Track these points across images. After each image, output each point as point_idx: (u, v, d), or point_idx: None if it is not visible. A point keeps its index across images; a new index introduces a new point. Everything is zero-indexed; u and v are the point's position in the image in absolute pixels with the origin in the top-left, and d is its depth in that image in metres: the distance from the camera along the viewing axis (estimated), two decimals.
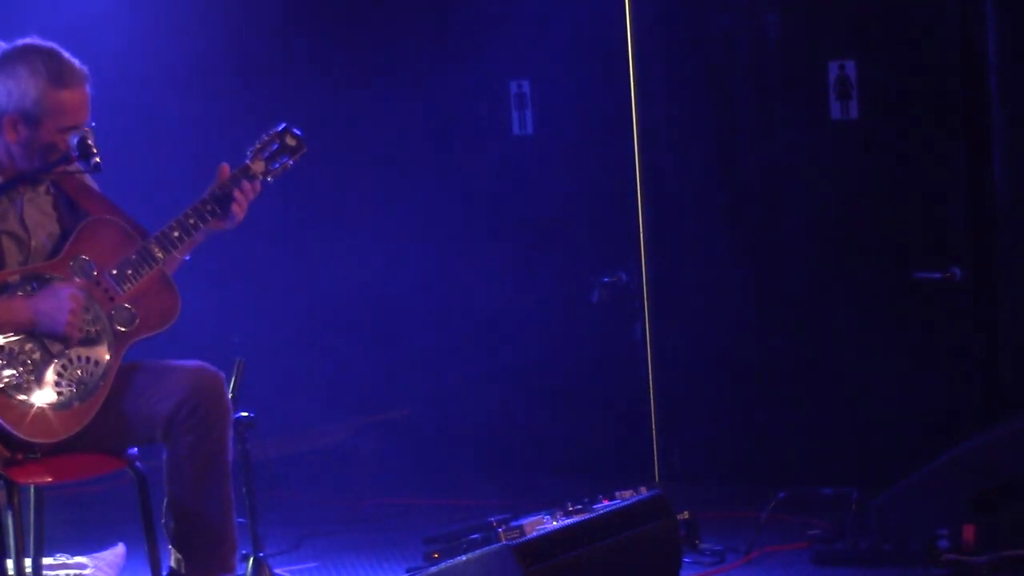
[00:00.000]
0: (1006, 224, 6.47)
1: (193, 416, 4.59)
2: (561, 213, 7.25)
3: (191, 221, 4.74)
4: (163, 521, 4.75)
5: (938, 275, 6.53)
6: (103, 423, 4.62)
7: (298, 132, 4.92)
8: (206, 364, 4.71)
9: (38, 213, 4.73)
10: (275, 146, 4.89)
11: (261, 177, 4.84)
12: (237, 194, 4.75)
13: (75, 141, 4.62)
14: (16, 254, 4.65)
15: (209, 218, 4.75)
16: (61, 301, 4.55)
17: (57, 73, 4.59)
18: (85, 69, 4.66)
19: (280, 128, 4.91)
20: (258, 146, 4.87)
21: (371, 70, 7.53)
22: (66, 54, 4.65)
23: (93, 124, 4.66)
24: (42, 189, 4.74)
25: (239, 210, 4.77)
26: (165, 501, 4.72)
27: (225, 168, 4.81)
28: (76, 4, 7.17)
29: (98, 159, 4.62)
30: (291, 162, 4.90)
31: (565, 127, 7.24)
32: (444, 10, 7.39)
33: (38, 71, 4.58)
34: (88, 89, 4.65)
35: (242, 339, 7.32)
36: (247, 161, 4.84)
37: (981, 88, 6.44)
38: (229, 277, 7.39)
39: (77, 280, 4.63)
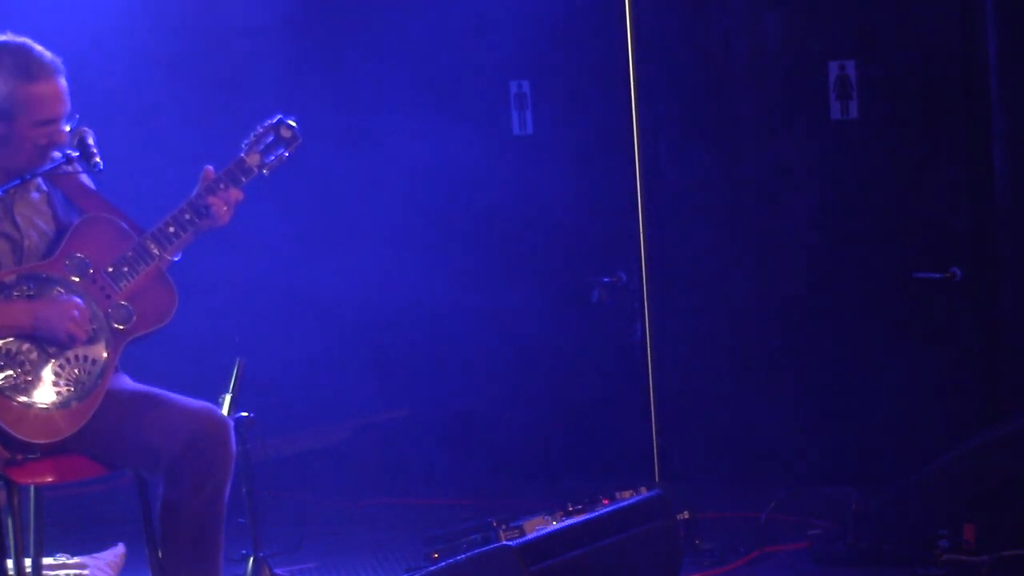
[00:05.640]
0: (1006, 224, 6.47)
1: (196, 461, 4.54)
2: (561, 213, 7.24)
3: (186, 216, 4.70)
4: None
5: (938, 275, 6.52)
6: (103, 440, 4.60)
7: (293, 123, 4.85)
8: (213, 408, 4.67)
9: (30, 212, 4.71)
10: (270, 138, 4.83)
11: (257, 170, 4.81)
12: (213, 200, 4.70)
13: (70, 139, 4.61)
14: (9, 254, 4.64)
15: (205, 214, 4.71)
16: (64, 309, 4.53)
17: (24, 67, 4.54)
18: (57, 62, 4.59)
19: (274, 120, 4.85)
20: (252, 138, 4.82)
21: (371, 70, 7.53)
22: (37, 48, 4.59)
23: (72, 120, 4.63)
24: (32, 187, 4.72)
25: (225, 212, 4.72)
26: (157, 536, 4.67)
27: (209, 171, 4.77)
28: (73, 3, 7.18)
29: (98, 159, 4.61)
30: (287, 154, 4.84)
31: (565, 127, 7.24)
32: (444, 10, 7.38)
33: (5, 66, 4.54)
34: (62, 81, 4.58)
35: (242, 339, 7.31)
36: (242, 154, 4.79)
37: (981, 88, 6.44)
38: (230, 277, 7.38)
39: (75, 280, 4.62)
